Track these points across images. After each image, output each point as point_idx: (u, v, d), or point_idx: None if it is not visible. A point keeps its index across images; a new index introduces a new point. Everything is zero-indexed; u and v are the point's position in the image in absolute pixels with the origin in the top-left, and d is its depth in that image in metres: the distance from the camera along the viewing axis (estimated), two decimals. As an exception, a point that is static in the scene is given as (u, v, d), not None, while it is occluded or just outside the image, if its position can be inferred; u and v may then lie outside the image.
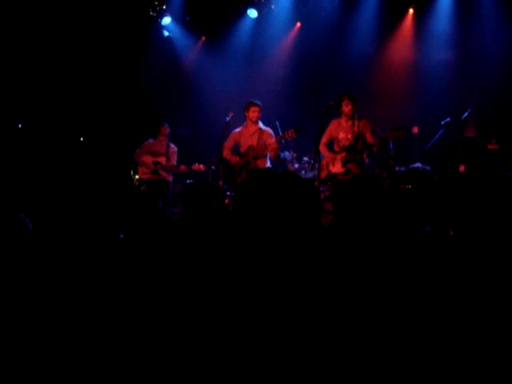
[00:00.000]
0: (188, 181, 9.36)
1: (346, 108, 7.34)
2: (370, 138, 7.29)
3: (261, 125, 8.02)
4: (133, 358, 1.71)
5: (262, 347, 1.78)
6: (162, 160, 9.08)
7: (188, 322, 1.83)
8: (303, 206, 2.08)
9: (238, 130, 8.18)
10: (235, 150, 8.22)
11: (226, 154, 8.15)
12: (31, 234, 1.99)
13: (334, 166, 7.41)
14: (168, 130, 9.31)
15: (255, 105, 7.94)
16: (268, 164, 8.00)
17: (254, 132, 7.95)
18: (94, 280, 1.74)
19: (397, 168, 8.43)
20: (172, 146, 9.31)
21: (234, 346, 1.79)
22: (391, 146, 8.47)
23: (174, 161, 9.26)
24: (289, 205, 2.06)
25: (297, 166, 9.83)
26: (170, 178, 9.25)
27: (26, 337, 1.71)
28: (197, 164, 8.98)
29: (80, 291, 1.72)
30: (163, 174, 9.09)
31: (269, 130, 8.01)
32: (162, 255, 2.21)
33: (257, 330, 1.81)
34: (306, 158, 9.80)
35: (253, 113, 7.93)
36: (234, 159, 8.08)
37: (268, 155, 7.96)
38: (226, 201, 9.37)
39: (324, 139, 7.52)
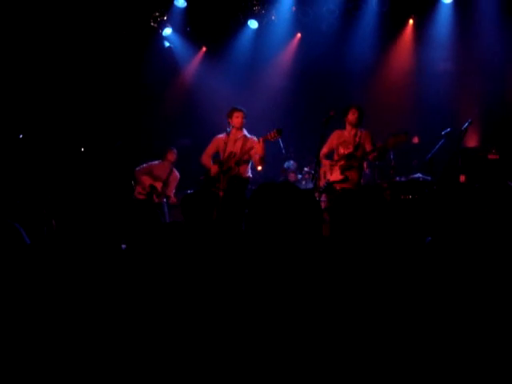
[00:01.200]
0: (189, 191, 9.35)
1: (353, 116, 7.32)
2: (369, 147, 7.26)
3: (245, 132, 7.74)
4: (138, 368, 1.71)
5: (265, 352, 1.78)
6: (159, 186, 9.04)
7: (191, 329, 1.83)
8: (303, 217, 2.08)
9: (221, 136, 7.84)
10: (215, 156, 7.91)
11: (206, 160, 7.88)
12: (27, 248, 1.98)
13: (331, 174, 7.37)
14: (175, 156, 9.26)
15: (238, 110, 7.67)
16: (249, 173, 7.71)
17: (239, 139, 7.66)
18: (96, 291, 1.74)
19: (397, 178, 8.44)
20: (175, 173, 9.28)
21: (239, 354, 1.79)
22: (391, 156, 8.48)
23: (172, 188, 9.26)
24: (289, 216, 2.06)
25: (300, 176, 9.86)
26: (164, 200, 9.21)
27: (24, 350, 1.71)
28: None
29: (82, 302, 1.71)
30: (156, 199, 9.04)
31: (254, 138, 7.63)
32: (164, 264, 2.21)
33: (259, 338, 1.81)
34: (306, 169, 9.83)
35: (236, 118, 7.63)
36: (214, 168, 7.71)
37: (251, 162, 7.67)
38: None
39: (324, 149, 7.49)
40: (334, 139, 7.51)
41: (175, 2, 10.75)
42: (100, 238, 1.95)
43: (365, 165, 7.78)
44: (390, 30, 10.63)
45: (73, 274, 1.79)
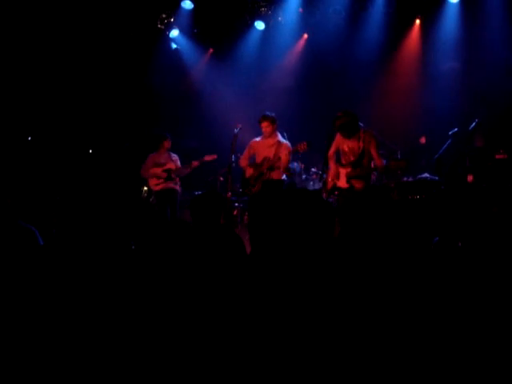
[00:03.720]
0: (197, 192, 9.38)
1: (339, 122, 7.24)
2: (374, 154, 7.12)
3: (280, 137, 7.93)
4: (147, 367, 1.73)
5: (276, 352, 1.80)
6: (171, 166, 9.10)
7: (199, 328, 1.85)
8: (316, 219, 2.10)
9: (257, 139, 8.11)
10: (251, 159, 8.16)
11: (244, 163, 8.16)
12: (41, 249, 2.01)
13: (339, 179, 7.36)
14: (170, 143, 9.33)
15: (264, 120, 7.87)
16: (284, 176, 7.91)
17: (273, 144, 7.86)
18: (106, 290, 1.76)
19: (405, 178, 8.44)
20: (172, 154, 9.33)
21: (250, 354, 1.81)
22: (399, 156, 8.48)
23: (179, 164, 9.32)
24: (302, 218, 2.07)
25: (304, 176, 9.85)
26: (179, 188, 9.25)
27: (34, 348, 1.73)
28: (207, 155, 8.98)
29: (92, 301, 1.74)
30: (176, 180, 9.11)
31: (287, 143, 7.85)
32: (173, 264, 2.23)
33: (269, 336, 1.83)
34: (313, 169, 9.83)
35: (264, 128, 7.89)
36: (249, 171, 8.05)
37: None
38: (235, 212, 9.39)
39: (332, 149, 7.44)
40: (339, 138, 7.43)
41: (182, 4, 10.78)
42: (109, 238, 1.97)
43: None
44: (396, 31, 10.62)
45: (83, 273, 1.81)
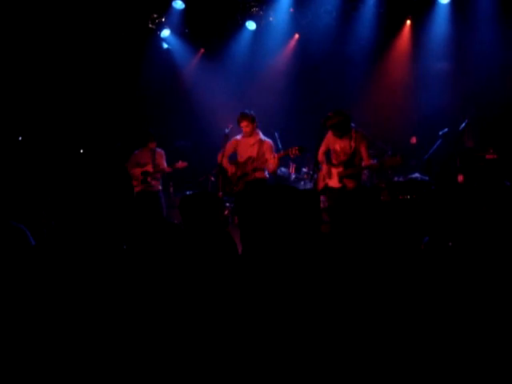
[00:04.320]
0: (188, 192, 9.36)
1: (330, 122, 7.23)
2: (364, 154, 7.15)
3: (261, 135, 7.85)
4: (138, 367, 1.73)
5: (265, 351, 1.81)
6: (149, 168, 8.96)
7: (192, 329, 1.85)
8: (302, 216, 2.11)
9: (238, 137, 8.01)
10: (232, 157, 8.10)
11: (225, 162, 8.01)
12: (33, 250, 2.00)
13: (330, 179, 7.37)
14: (155, 144, 9.10)
15: (243, 119, 7.72)
16: (266, 174, 7.84)
17: (255, 143, 7.78)
18: (99, 289, 1.76)
19: (395, 178, 8.47)
20: (158, 150, 9.14)
21: (239, 352, 1.81)
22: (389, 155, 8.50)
23: (162, 162, 9.11)
24: (288, 214, 2.08)
25: (293, 176, 9.85)
26: (159, 188, 9.15)
27: (24, 348, 1.72)
28: (180, 162, 8.93)
29: (85, 300, 1.73)
30: (153, 182, 9.00)
31: (269, 141, 7.80)
32: (165, 265, 2.23)
33: (260, 335, 1.83)
34: (304, 169, 9.84)
35: (244, 128, 7.77)
36: (231, 169, 7.95)
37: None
38: (226, 212, 9.39)
39: (322, 148, 7.43)
40: (329, 137, 7.42)
41: (173, 4, 10.76)
42: (101, 238, 1.97)
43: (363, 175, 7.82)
44: (387, 31, 10.66)
45: (76, 274, 1.81)
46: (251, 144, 7.81)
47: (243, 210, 2.12)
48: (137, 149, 9.19)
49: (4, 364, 1.67)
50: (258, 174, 7.74)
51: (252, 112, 7.80)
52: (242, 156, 7.88)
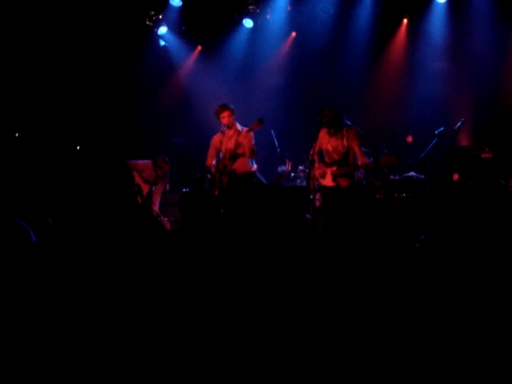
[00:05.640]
0: (184, 189, 9.36)
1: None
2: (357, 152, 7.16)
3: (238, 127, 7.76)
4: (139, 364, 1.75)
5: (259, 347, 1.82)
6: (145, 189, 8.73)
7: (188, 325, 1.87)
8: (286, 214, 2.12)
9: (216, 136, 7.89)
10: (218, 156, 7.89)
11: (209, 161, 7.91)
12: (34, 247, 2.01)
13: (324, 178, 7.37)
14: (166, 169, 8.85)
15: (222, 110, 7.63)
16: (251, 166, 7.75)
17: (232, 135, 7.69)
18: (99, 286, 1.78)
19: (391, 177, 8.49)
20: (162, 184, 8.92)
21: (233, 347, 1.83)
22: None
23: (157, 198, 8.88)
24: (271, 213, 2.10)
25: (292, 175, 9.87)
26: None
27: (26, 345, 1.74)
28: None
29: (85, 297, 1.75)
30: (140, 200, 8.70)
31: (245, 128, 7.69)
32: (162, 262, 2.24)
33: (254, 332, 1.85)
34: (301, 167, 9.85)
35: (223, 119, 7.62)
36: (213, 167, 7.82)
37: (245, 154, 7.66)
38: (222, 210, 9.38)
39: (315, 148, 7.42)
40: (321, 137, 7.39)
41: (171, 1, 10.75)
42: (99, 235, 1.99)
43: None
44: (384, 30, 10.66)
45: (75, 270, 1.83)
46: (230, 136, 7.72)
47: (228, 207, 2.14)
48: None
49: (4, 358, 1.69)
50: (238, 164, 7.63)
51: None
52: (223, 150, 7.72)
